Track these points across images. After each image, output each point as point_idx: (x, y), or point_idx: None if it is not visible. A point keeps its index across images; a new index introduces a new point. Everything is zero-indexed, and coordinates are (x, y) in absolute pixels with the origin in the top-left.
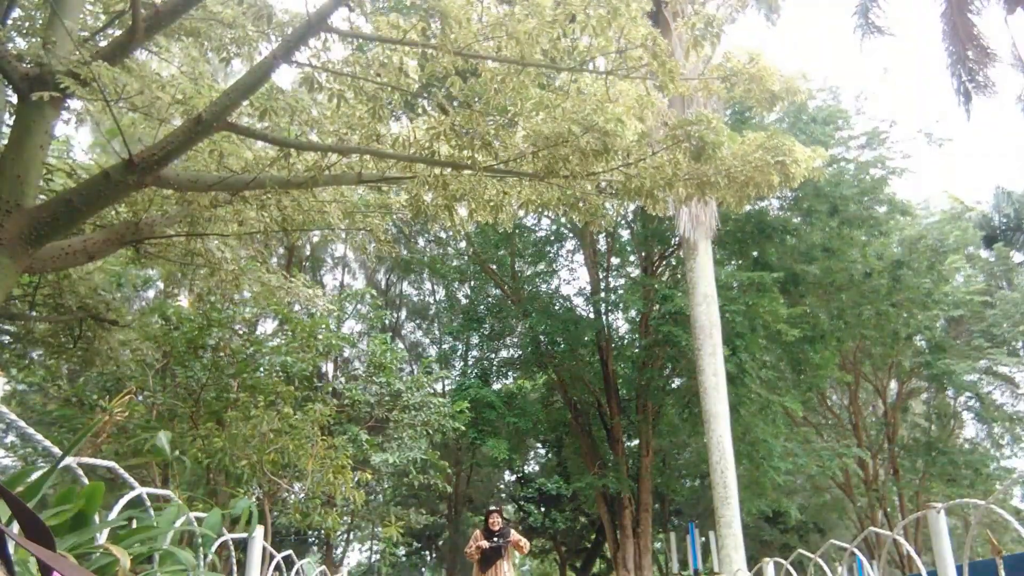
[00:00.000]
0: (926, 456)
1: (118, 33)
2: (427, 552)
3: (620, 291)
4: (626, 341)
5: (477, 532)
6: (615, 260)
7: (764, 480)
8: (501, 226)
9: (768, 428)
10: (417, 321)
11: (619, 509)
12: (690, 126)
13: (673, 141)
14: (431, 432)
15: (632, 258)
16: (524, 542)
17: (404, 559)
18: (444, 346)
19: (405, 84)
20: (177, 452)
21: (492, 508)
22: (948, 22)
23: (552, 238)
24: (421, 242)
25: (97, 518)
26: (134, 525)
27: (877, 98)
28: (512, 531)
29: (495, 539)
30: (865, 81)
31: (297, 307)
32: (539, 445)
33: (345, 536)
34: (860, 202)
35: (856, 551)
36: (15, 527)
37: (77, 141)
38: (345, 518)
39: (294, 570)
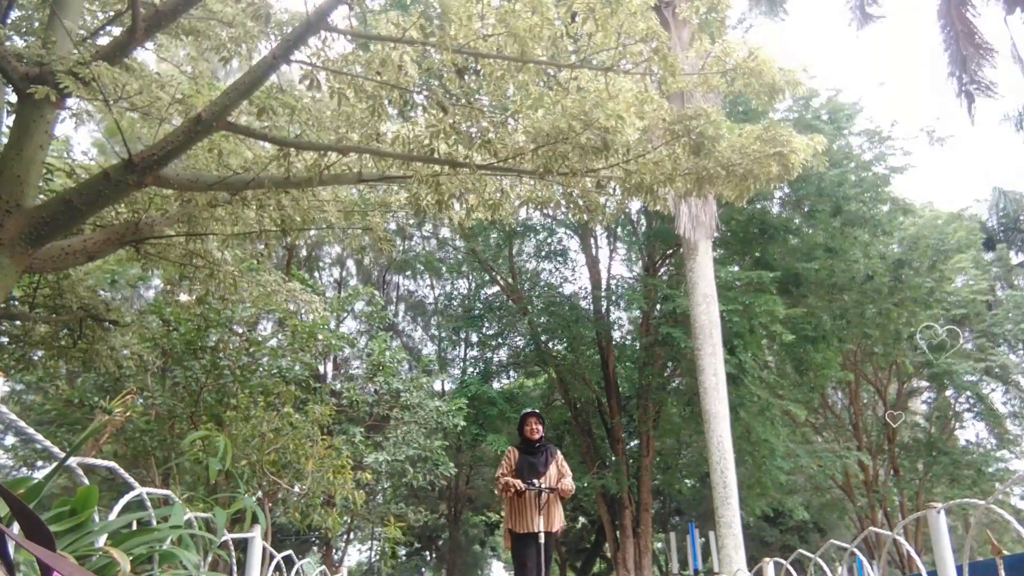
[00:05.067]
0: (927, 456)
1: (118, 33)
2: (427, 552)
3: (622, 289)
4: (628, 340)
5: (511, 449)
6: (617, 257)
7: (766, 479)
8: (502, 224)
9: (769, 429)
10: (411, 316)
11: (619, 509)
12: (689, 120)
13: (672, 136)
14: (430, 429)
15: (635, 256)
16: (571, 484)
17: (404, 559)
18: (441, 343)
19: (405, 82)
20: (222, 463)
21: (529, 411)
22: (946, 20)
23: (552, 235)
24: (418, 237)
25: (97, 519)
26: (135, 527)
27: (875, 99)
28: (559, 455)
29: (532, 482)
30: (862, 86)
31: (292, 306)
32: None
33: (345, 536)
34: (863, 200)
35: (856, 551)
36: (16, 527)
37: (77, 141)
38: (345, 518)
39: (294, 570)
